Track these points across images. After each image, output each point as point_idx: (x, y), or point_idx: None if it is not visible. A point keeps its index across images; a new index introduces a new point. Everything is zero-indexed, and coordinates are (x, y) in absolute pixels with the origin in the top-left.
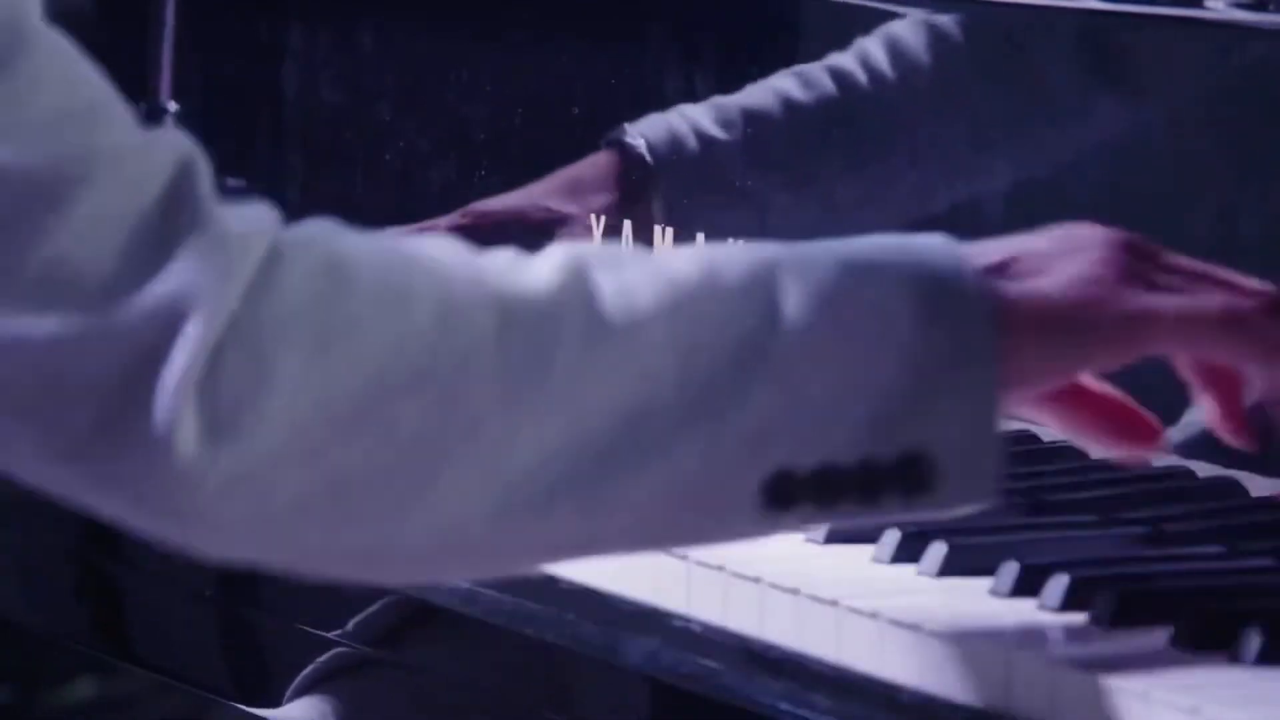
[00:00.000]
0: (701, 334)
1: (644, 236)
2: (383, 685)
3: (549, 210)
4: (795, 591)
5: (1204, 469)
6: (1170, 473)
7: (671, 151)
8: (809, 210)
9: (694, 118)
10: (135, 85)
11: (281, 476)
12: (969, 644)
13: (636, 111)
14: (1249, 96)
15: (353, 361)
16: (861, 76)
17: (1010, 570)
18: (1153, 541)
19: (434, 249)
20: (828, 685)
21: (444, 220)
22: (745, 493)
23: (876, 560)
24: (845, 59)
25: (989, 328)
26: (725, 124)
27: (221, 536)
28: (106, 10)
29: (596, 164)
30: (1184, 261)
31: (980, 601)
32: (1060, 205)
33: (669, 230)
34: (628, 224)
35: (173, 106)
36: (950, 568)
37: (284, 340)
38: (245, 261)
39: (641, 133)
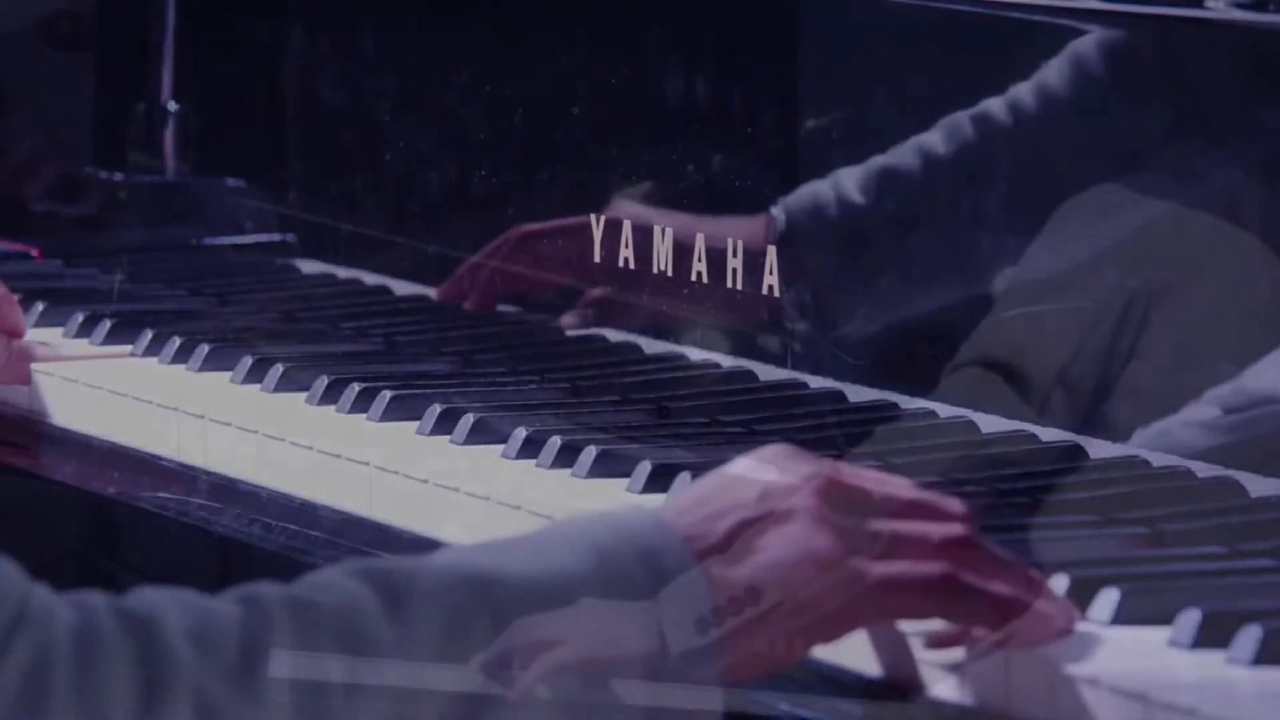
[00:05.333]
0: None
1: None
2: None
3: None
4: None
5: (1204, 469)
6: (1170, 473)
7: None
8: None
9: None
10: (135, 85)
11: None
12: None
13: (637, 113)
14: (1248, 96)
15: None
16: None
17: None
18: (1153, 541)
19: None
20: (828, 685)
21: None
22: None
23: None
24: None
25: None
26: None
27: None
28: (106, 10)
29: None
30: (889, 494)
31: None
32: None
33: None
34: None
35: (173, 106)
36: None
37: None
38: None
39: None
